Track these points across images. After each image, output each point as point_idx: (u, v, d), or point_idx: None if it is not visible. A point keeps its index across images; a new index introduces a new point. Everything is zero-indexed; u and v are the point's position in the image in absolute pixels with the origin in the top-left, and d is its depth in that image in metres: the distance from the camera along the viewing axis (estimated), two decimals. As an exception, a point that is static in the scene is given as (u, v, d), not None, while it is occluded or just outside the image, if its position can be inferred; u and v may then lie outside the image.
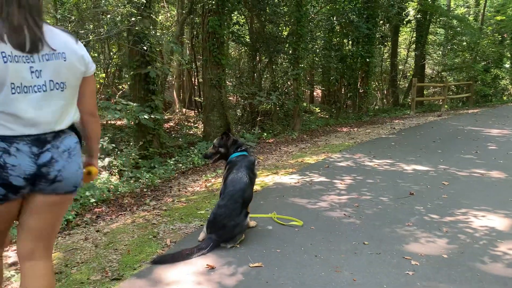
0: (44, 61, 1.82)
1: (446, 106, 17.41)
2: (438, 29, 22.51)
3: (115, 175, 7.21)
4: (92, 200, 5.41)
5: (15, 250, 3.80)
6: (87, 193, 5.49)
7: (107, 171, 7.33)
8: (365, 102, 15.63)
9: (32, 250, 2.00)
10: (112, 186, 6.06)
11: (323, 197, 5.08)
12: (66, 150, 1.93)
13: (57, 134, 1.93)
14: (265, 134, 10.91)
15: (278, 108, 12.48)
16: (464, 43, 21.07)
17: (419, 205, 4.72)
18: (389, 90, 20.79)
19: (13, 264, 3.47)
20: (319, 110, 16.89)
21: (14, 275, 3.20)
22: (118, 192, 5.90)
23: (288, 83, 12.86)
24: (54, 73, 1.85)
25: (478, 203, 4.79)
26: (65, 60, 1.88)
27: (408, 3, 18.10)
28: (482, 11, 22.13)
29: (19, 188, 1.82)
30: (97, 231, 4.31)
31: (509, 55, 23.37)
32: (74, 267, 3.36)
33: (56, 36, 1.89)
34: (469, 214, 4.43)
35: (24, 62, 1.76)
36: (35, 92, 1.81)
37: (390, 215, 4.41)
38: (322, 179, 6.01)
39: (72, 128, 2.04)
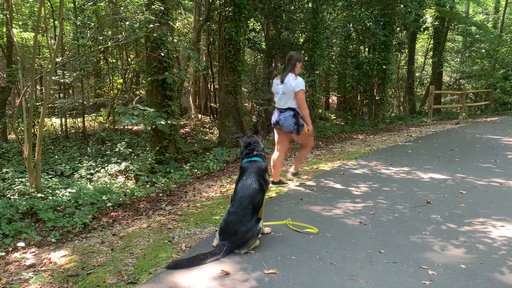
0: (282, 85, 5.37)
1: (464, 114, 17.17)
2: (456, 36, 22.28)
3: (131, 180, 7.30)
4: (109, 204, 5.48)
5: (33, 252, 3.87)
6: (104, 197, 5.57)
7: (123, 176, 7.42)
8: (381, 109, 15.52)
9: (284, 150, 5.93)
10: (128, 191, 6.13)
11: (338, 204, 5.05)
12: (284, 116, 5.41)
13: (285, 110, 5.41)
14: (280, 140, 10.89)
15: (293, 115, 12.46)
16: (483, 50, 20.78)
17: (436, 214, 4.65)
18: (405, 97, 20.61)
19: (31, 266, 3.53)
20: (334, 117, 16.84)
21: (32, 276, 3.25)
22: (134, 197, 5.96)
23: (304, 89, 12.84)
24: (283, 89, 5.37)
25: (497, 212, 4.70)
26: (285, 85, 5.33)
27: (426, 10, 17.96)
28: (501, 18, 21.83)
29: (275, 124, 5.60)
30: (113, 234, 4.36)
31: (529, 63, 22.96)
32: (90, 270, 3.40)
33: (287, 77, 5.33)
34: (488, 223, 4.35)
35: (279, 85, 5.43)
36: (279, 94, 5.44)
37: (407, 224, 4.36)
38: (338, 186, 5.97)
39: (292, 108, 5.38)
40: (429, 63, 21.62)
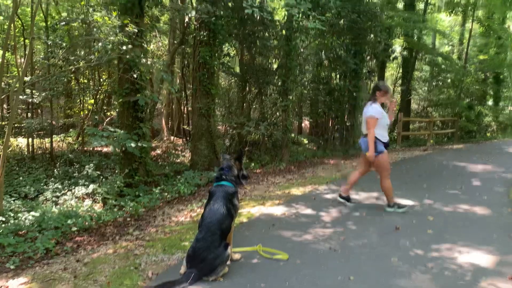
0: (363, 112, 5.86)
1: (431, 141, 17.66)
2: (423, 65, 23.10)
3: (98, 203, 7.11)
4: (74, 228, 5.30)
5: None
6: (69, 221, 5.39)
7: (90, 199, 7.22)
8: (352, 135, 15.77)
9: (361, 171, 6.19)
10: (95, 214, 5.95)
11: (309, 230, 5.05)
12: (363, 140, 5.75)
13: (365, 135, 5.70)
14: (253, 164, 10.90)
15: (266, 139, 12.53)
16: (449, 80, 21.59)
17: (404, 240, 4.71)
18: (376, 123, 21.05)
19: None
20: (307, 142, 17.00)
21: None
22: (101, 221, 5.79)
23: (277, 114, 12.96)
24: (363, 116, 5.79)
25: (463, 239, 4.80)
26: (363, 113, 5.77)
27: (395, 40, 18.61)
28: (465, 50, 22.82)
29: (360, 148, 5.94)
30: (77, 260, 4.20)
31: (491, 93, 23.98)
32: (50, 298, 3.25)
33: (366, 105, 5.78)
34: (454, 250, 4.43)
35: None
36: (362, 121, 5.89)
37: (376, 250, 4.39)
38: (309, 211, 5.98)
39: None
40: (398, 91, 22.27)
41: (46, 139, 11.63)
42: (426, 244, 4.60)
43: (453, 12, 20.62)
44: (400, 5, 18.98)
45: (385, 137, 5.77)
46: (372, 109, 5.63)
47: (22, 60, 11.43)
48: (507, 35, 21.09)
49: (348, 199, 6.30)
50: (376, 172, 6.07)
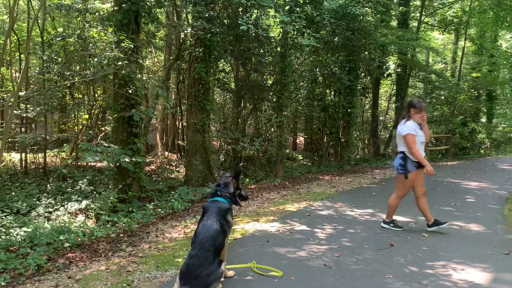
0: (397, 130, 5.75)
1: (426, 157, 17.75)
2: (417, 82, 23.36)
3: (91, 219, 7.04)
4: (66, 244, 5.24)
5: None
6: (61, 237, 5.32)
7: (83, 214, 7.16)
8: (347, 151, 15.83)
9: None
10: (87, 230, 5.89)
11: (303, 247, 5.02)
12: (397, 158, 5.71)
13: (399, 153, 5.67)
14: (248, 179, 10.88)
15: (261, 154, 12.54)
16: (442, 97, 21.82)
17: (399, 257, 4.69)
18: (370, 140, 21.16)
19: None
20: (301, 158, 17.02)
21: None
22: (94, 237, 5.73)
23: (272, 129, 13.00)
24: (397, 134, 5.73)
25: (457, 256, 4.78)
26: (398, 130, 5.70)
27: (389, 58, 18.83)
28: (458, 67, 23.13)
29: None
30: (69, 277, 4.14)
31: (485, 110, 24.25)
32: (40, 316, 3.19)
33: (400, 122, 5.77)
34: (448, 267, 4.41)
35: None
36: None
37: (371, 267, 4.36)
38: (303, 227, 5.96)
39: (402, 151, 5.64)
40: (393, 107, 22.45)
41: (40, 154, 11.56)
42: (420, 261, 4.58)
43: (446, 30, 20.94)
44: (394, 23, 19.27)
45: None
46: (407, 128, 5.57)
47: (17, 74, 11.45)
48: (499, 53, 21.44)
49: (392, 223, 6.07)
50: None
